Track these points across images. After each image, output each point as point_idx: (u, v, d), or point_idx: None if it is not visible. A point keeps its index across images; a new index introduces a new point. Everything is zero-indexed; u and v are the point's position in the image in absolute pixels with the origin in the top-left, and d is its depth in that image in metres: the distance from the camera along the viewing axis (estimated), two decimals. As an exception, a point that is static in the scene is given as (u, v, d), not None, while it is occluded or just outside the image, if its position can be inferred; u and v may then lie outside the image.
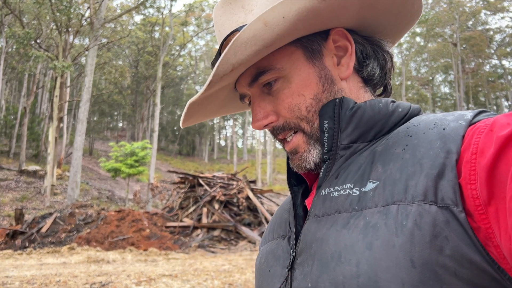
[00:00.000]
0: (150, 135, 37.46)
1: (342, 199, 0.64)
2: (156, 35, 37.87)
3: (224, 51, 0.65)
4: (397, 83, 44.95)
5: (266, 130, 0.80)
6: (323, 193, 0.68)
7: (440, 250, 0.51)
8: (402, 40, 45.37)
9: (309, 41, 0.73)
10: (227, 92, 0.83)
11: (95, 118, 52.78)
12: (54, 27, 25.44)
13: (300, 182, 0.84)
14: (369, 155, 0.67)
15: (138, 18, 40.67)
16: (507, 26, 45.74)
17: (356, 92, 0.76)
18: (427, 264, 0.51)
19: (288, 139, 0.76)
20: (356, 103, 0.71)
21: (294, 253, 0.69)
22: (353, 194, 0.63)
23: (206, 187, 16.61)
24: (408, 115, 0.72)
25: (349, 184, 0.65)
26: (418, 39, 47.44)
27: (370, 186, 0.61)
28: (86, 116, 21.57)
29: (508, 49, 44.87)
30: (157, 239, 13.47)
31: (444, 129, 0.60)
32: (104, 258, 10.22)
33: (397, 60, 47.16)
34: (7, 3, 23.21)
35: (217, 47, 0.88)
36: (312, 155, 0.73)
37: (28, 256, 10.92)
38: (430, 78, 51.25)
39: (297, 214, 0.77)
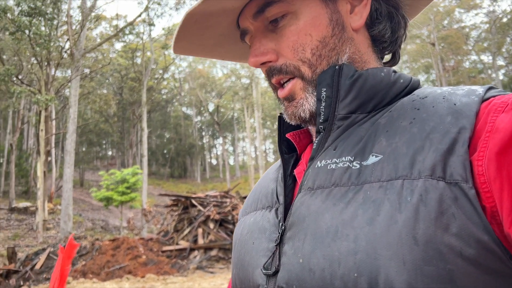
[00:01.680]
0: (140, 161, 37.23)
1: (340, 172, 0.59)
2: (138, 60, 37.92)
3: None
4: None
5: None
6: (319, 165, 0.64)
7: (446, 228, 0.48)
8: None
9: None
10: (228, 25, 0.74)
11: (83, 149, 52.39)
12: (35, 61, 25.38)
13: (291, 151, 0.78)
14: (371, 127, 0.63)
15: (118, 46, 40.73)
16: (481, 22, 46.76)
17: (365, 48, 0.71)
18: (431, 242, 0.48)
19: (284, 85, 0.71)
20: (356, 71, 0.67)
21: (283, 227, 0.64)
22: (353, 167, 0.58)
23: (199, 207, 16.49)
24: (409, 87, 0.69)
25: (348, 157, 0.60)
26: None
27: (372, 159, 0.57)
28: (73, 147, 21.40)
29: (485, 44, 45.80)
30: (154, 265, 13.28)
31: (455, 104, 0.57)
32: (101, 290, 10.03)
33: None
34: (-15, 42, 23.17)
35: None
36: (309, 103, 0.69)
37: (23, 295, 10.67)
38: (413, 79, 51.81)
39: (286, 184, 0.71)
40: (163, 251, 14.67)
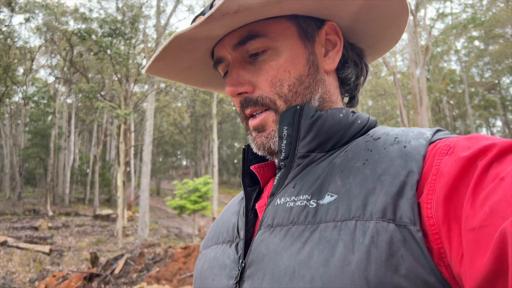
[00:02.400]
0: (212, 170, 38.31)
1: (298, 211, 0.61)
2: (209, 73, 39.13)
3: None
4: (459, 91, 42.76)
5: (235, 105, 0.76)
6: (278, 202, 0.66)
7: (395, 269, 0.49)
8: (459, 46, 43.49)
9: (306, 23, 0.73)
10: (203, 51, 0.77)
11: (160, 159, 55.06)
12: (115, 78, 27.30)
13: (254, 183, 0.80)
14: (327, 166, 0.66)
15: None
16: None
17: (333, 89, 0.76)
18: (382, 283, 0.49)
19: (256, 116, 0.73)
20: (317, 111, 0.70)
21: (243, 264, 0.65)
22: (310, 206, 0.61)
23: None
24: (366, 127, 0.73)
25: (306, 195, 0.63)
26: (476, 42, 45.13)
27: (328, 199, 0.60)
28: (150, 158, 22.57)
29: None
30: (223, 274, 13.52)
31: (405, 146, 0.60)
32: (172, 296, 10.38)
33: (456, 67, 45.07)
34: (73, 63, 25.37)
35: None
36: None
37: (102, 298, 11.37)
38: (496, 81, 48.21)
39: (248, 219, 0.72)
40: (232, 260, 14.91)
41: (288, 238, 0.59)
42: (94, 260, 15.76)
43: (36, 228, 23.76)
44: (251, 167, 0.78)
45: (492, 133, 62.90)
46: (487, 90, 46.98)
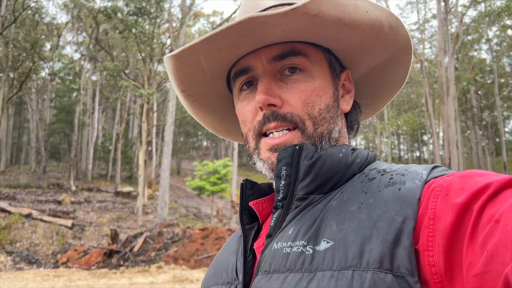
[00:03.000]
0: (232, 153, 38.49)
1: (295, 257, 0.60)
2: (233, 55, 38.98)
3: None
4: (488, 82, 41.44)
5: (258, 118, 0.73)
6: (275, 247, 0.64)
7: None
8: (491, 34, 41.97)
9: (335, 61, 0.78)
10: (218, 78, 0.82)
11: (181, 139, 55.62)
12: (139, 57, 27.43)
13: (253, 220, 0.78)
14: (323, 209, 0.65)
15: (215, 41, 42.20)
16: None
17: (345, 128, 0.80)
18: None
19: (276, 135, 0.72)
20: (316, 151, 0.70)
21: None
22: (307, 252, 0.60)
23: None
24: (364, 165, 0.73)
25: (302, 241, 0.61)
26: (510, 32, 43.42)
27: (324, 245, 0.59)
28: (171, 139, 22.77)
29: None
30: (240, 257, 13.65)
31: (400, 189, 0.60)
32: (189, 277, 10.56)
33: (486, 56, 43.58)
34: (99, 41, 25.56)
35: None
36: None
37: (121, 275, 11.67)
38: (528, 72, 46.49)
39: (246, 260, 0.71)
40: (248, 244, 15.02)
41: (285, 287, 0.58)
42: (114, 236, 16.12)
43: (59, 202, 24.43)
44: (250, 204, 0.77)
45: (520, 126, 60.98)
46: (518, 81, 45.37)
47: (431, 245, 0.52)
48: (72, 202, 25.02)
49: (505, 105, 47.30)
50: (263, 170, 0.75)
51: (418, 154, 64.00)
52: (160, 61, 26.82)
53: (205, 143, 69.86)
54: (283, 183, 0.69)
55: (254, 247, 0.72)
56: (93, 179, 35.30)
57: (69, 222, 20.05)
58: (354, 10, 0.66)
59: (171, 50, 23.93)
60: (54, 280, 10.55)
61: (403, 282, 0.51)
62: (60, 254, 16.55)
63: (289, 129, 0.71)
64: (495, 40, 44.09)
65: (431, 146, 40.81)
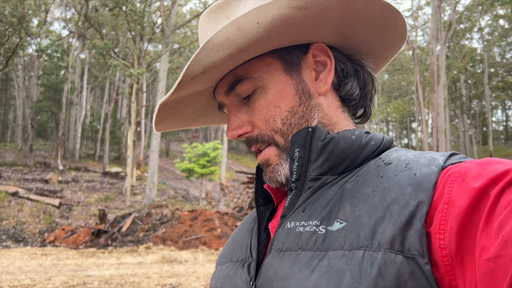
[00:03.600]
0: (222, 136, 38.41)
1: (307, 236, 0.62)
2: (224, 37, 38.54)
3: (196, 52, 0.64)
4: (478, 71, 41.74)
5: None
6: (288, 226, 0.66)
7: None
8: (483, 24, 42.10)
9: (288, 53, 0.73)
10: (205, 99, 0.82)
11: (170, 120, 55.25)
12: (130, 36, 26.96)
13: (268, 201, 0.80)
14: (338, 191, 0.65)
15: (207, 22, 41.68)
16: None
17: (333, 110, 0.75)
18: None
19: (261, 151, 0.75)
20: (329, 133, 0.70)
21: (253, 286, 0.66)
22: (319, 232, 0.61)
23: (275, 186, 16.64)
24: (380, 149, 0.71)
25: (315, 221, 0.63)
26: (502, 21, 43.58)
27: (337, 226, 0.60)
28: (160, 120, 22.54)
29: None
30: (228, 239, 13.73)
31: (415, 174, 0.59)
32: (177, 258, 10.61)
33: (478, 45, 43.80)
34: (88, 18, 25.03)
35: None
36: (284, 169, 0.72)
37: (109, 254, 11.67)
38: (518, 63, 46.91)
39: (260, 239, 0.73)
40: (237, 226, 15.09)
41: (296, 265, 0.60)
42: (102, 216, 16.06)
43: (46, 181, 24.22)
44: (265, 186, 0.78)
45: (507, 116, 61.81)
46: (507, 71, 45.81)
47: (443, 228, 0.52)
48: (60, 181, 24.82)
49: (494, 95, 47.82)
50: (267, 182, 0.77)
51: (406, 141, 64.62)
52: (150, 40, 26.38)
53: (194, 125, 69.46)
54: (296, 164, 0.70)
55: (269, 227, 0.74)
56: (81, 158, 35.00)
57: (56, 201, 19.92)
58: (249, 25, 0.63)
59: (162, 30, 23.53)
60: (41, 258, 10.51)
61: (413, 263, 0.51)
62: (47, 233, 16.48)
63: (268, 146, 0.74)
64: (487, 30, 44.29)
65: (419, 133, 41.14)
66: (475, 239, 0.49)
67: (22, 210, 18.05)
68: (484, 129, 48.67)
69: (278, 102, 0.71)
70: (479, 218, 0.50)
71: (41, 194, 20.63)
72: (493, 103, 53.47)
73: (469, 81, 43.73)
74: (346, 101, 0.77)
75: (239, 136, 0.75)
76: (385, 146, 0.73)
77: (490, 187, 0.51)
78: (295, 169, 0.70)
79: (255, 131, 0.74)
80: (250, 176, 18.56)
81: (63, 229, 15.79)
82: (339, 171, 0.69)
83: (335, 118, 0.74)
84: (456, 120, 47.99)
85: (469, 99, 43.91)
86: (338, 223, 0.60)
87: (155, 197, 21.37)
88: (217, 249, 12.65)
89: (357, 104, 0.78)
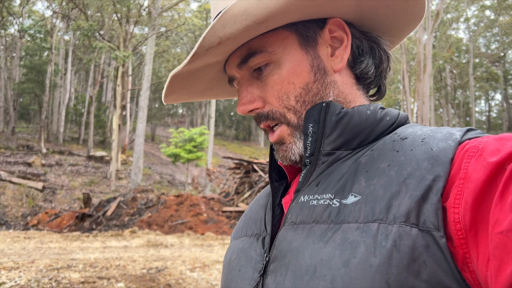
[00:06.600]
0: (208, 121, 38.23)
1: (321, 209, 0.62)
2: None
3: (212, 23, 0.62)
4: (463, 61, 42.16)
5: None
6: (302, 200, 0.66)
7: (417, 274, 0.50)
8: (469, 14, 42.39)
9: (305, 28, 0.71)
10: (216, 71, 0.80)
11: (156, 105, 54.71)
12: (116, 18, 26.44)
13: (281, 177, 0.81)
14: (352, 165, 0.65)
15: (194, 6, 41.22)
16: None
17: (349, 88, 0.73)
18: (402, 287, 0.50)
19: (274, 129, 0.74)
20: (343, 108, 0.69)
21: (267, 258, 0.66)
22: (333, 205, 0.61)
23: (260, 172, 16.68)
24: (395, 124, 0.71)
25: (329, 194, 0.63)
26: (488, 12, 43.97)
27: (351, 199, 0.60)
28: (146, 104, 22.33)
29: None
30: (214, 224, 13.77)
31: (432, 149, 0.59)
32: (163, 242, 10.60)
33: (464, 36, 44.14)
34: (72, -2, 24.42)
35: None
36: (297, 147, 0.71)
37: (94, 238, 11.60)
38: (502, 54, 47.52)
39: (274, 213, 0.74)
40: (223, 211, 15.14)
41: (310, 237, 0.60)
42: (86, 200, 15.93)
43: (29, 164, 23.85)
44: (279, 162, 0.77)
45: (490, 106, 62.79)
46: (492, 62, 46.41)
47: (458, 202, 0.52)
48: (43, 165, 24.46)
49: (478, 85, 48.42)
50: (279, 160, 0.76)
51: (391, 130, 65.25)
52: (136, 22, 25.90)
53: (180, 111, 69.06)
54: (310, 140, 0.69)
55: (282, 202, 0.74)
56: (65, 142, 34.49)
57: (39, 185, 19.66)
58: None
59: (149, 12, 23.10)
60: (25, 241, 10.39)
61: (428, 236, 0.51)
62: (30, 216, 16.29)
63: (278, 124, 0.73)
64: (473, 20, 44.63)
65: (404, 122, 41.51)
66: (489, 213, 0.49)
67: (4, 193, 17.77)
68: (468, 119, 49.35)
69: (292, 78, 0.70)
70: (494, 191, 0.50)
71: (24, 177, 20.33)
72: (477, 93, 54.18)
73: (454, 71, 44.18)
74: (361, 79, 0.76)
75: (250, 111, 0.74)
76: (401, 122, 0.72)
77: (507, 162, 0.51)
78: (309, 145, 0.70)
79: (266, 107, 0.72)
80: (236, 162, 18.55)
81: (46, 213, 15.62)
82: (353, 146, 0.68)
83: (350, 96, 0.73)
84: (441, 110, 48.57)
85: (454, 89, 44.40)
86: (353, 196, 0.60)
87: (141, 181, 21.22)
88: (203, 234, 12.69)
89: (371, 83, 0.77)
